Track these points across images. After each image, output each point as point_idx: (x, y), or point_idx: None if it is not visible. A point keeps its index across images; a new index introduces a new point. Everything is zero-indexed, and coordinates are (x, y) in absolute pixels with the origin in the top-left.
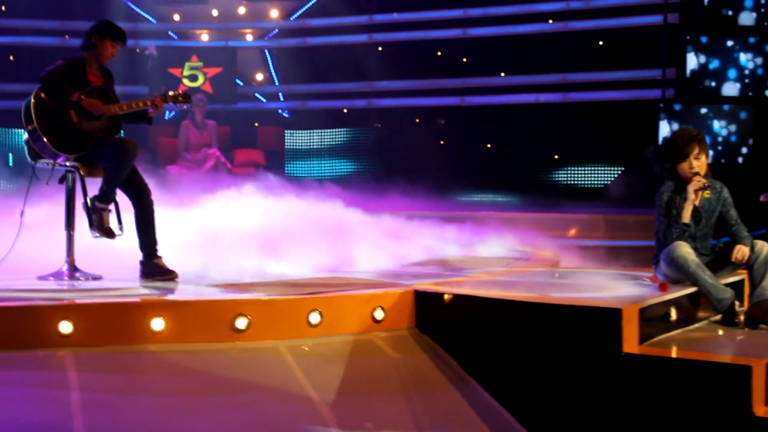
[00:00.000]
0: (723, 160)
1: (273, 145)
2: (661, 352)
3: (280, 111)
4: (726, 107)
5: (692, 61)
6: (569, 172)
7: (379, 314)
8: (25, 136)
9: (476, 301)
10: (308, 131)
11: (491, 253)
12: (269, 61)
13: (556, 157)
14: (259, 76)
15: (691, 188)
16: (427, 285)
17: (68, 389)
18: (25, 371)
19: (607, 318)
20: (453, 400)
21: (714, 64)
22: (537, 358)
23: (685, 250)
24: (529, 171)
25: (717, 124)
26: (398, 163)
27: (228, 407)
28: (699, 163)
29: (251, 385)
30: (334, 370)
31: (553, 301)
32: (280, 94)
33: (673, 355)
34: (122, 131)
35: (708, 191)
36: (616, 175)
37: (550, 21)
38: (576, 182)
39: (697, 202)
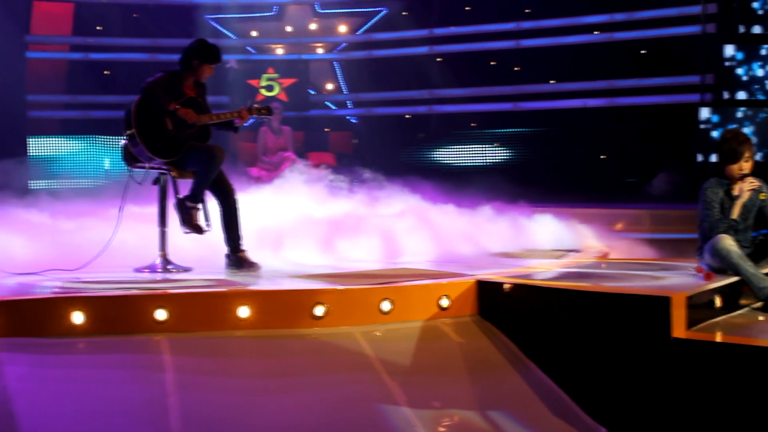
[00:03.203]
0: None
1: (342, 148)
2: (707, 337)
3: (348, 117)
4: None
5: (729, 66)
6: (615, 170)
7: (444, 302)
8: (123, 141)
9: (534, 290)
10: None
11: (547, 245)
12: (338, 72)
13: (603, 157)
14: (330, 86)
15: (746, 187)
16: (488, 275)
17: (163, 371)
18: (124, 354)
19: (657, 305)
20: (513, 381)
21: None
22: (592, 343)
23: (728, 242)
24: (577, 170)
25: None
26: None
27: (307, 388)
28: (748, 165)
29: (329, 368)
30: (404, 353)
31: (606, 289)
32: (349, 102)
33: (719, 339)
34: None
35: (764, 193)
36: (658, 173)
37: (596, 32)
38: (621, 180)
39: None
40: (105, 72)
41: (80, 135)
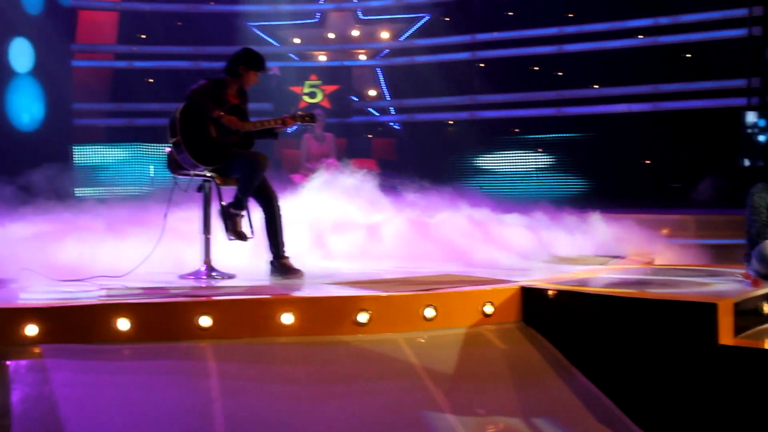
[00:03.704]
0: None
1: (385, 154)
2: (754, 344)
3: (391, 123)
4: None
5: None
6: (659, 175)
7: (488, 309)
8: (167, 149)
9: (579, 297)
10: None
11: (591, 251)
12: (381, 78)
13: (647, 162)
14: (372, 92)
15: None
16: (532, 282)
17: (208, 377)
18: (169, 360)
19: (704, 312)
20: (558, 388)
21: None
22: (637, 350)
23: None
24: (621, 175)
25: None
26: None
27: (351, 394)
28: None
29: (372, 374)
30: (448, 360)
31: (652, 296)
32: (391, 108)
33: (767, 346)
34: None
35: None
36: (703, 178)
37: (640, 36)
38: (666, 185)
39: None
40: (149, 80)
41: (125, 143)
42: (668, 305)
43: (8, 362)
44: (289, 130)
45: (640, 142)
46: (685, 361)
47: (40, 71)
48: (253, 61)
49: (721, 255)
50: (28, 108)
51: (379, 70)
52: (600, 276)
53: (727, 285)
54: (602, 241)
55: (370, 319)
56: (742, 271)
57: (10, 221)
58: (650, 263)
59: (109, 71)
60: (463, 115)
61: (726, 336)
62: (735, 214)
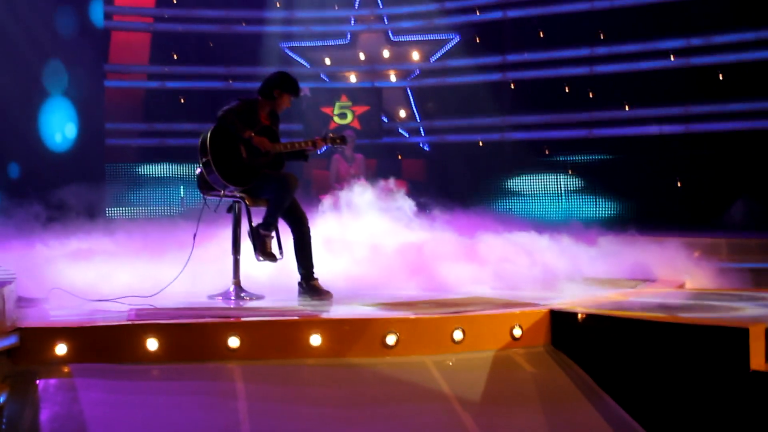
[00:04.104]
0: None
1: (415, 175)
2: None
3: (421, 144)
4: None
5: None
6: (691, 198)
7: (517, 332)
8: (198, 169)
9: (609, 321)
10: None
11: (621, 274)
12: (411, 99)
13: (679, 184)
14: (402, 113)
15: None
16: (561, 305)
17: (236, 398)
18: (198, 381)
19: (736, 337)
20: (587, 413)
21: None
22: (667, 375)
23: None
24: (652, 197)
25: None
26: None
27: (380, 417)
28: None
29: (400, 397)
30: (476, 383)
31: (683, 320)
32: (422, 129)
33: None
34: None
35: None
36: (736, 201)
37: (672, 57)
38: (698, 207)
39: None
40: (181, 100)
41: (156, 162)
42: (699, 330)
43: (38, 381)
44: (318, 151)
45: (671, 164)
46: (716, 386)
47: (73, 92)
48: (288, 85)
49: (754, 279)
50: (60, 128)
51: (409, 91)
52: (630, 299)
53: (759, 309)
54: (632, 263)
55: (398, 341)
56: None
57: (41, 240)
58: (681, 287)
59: (142, 91)
60: (494, 136)
61: (758, 361)
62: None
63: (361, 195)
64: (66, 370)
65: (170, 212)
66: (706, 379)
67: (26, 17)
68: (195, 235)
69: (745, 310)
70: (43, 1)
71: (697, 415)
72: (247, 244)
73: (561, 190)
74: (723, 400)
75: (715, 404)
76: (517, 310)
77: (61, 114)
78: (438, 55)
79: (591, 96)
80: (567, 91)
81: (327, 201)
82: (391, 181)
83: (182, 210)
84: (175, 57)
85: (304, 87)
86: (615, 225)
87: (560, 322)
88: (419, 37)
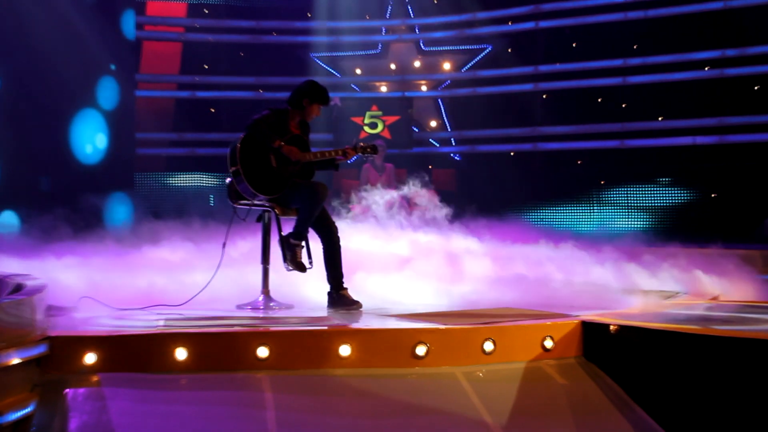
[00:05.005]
0: None
1: (446, 185)
2: None
3: (452, 155)
4: None
5: None
6: (725, 209)
7: (548, 343)
8: (228, 178)
9: (641, 332)
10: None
11: (655, 286)
12: (442, 109)
13: (713, 195)
14: (433, 123)
15: None
16: (593, 316)
17: (264, 408)
18: (226, 391)
19: None
20: (619, 425)
21: None
22: (700, 387)
23: None
24: (686, 209)
25: None
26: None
27: (409, 429)
28: None
29: (430, 408)
30: (507, 395)
31: (717, 333)
32: (452, 139)
33: None
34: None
35: None
36: None
37: (707, 68)
38: (732, 219)
39: None
40: (211, 110)
41: (186, 172)
42: (732, 342)
43: (67, 390)
44: (349, 160)
45: (705, 176)
46: (750, 400)
47: (104, 102)
48: (318, 94)
49: None
50: (91, 139)
51: (440, 101)
52: (664, 311)
53: None
54: (666, 275)
55: (428, 352)
56: None
57: (70, 249)
58: (715, 299)
59: (172, 101)
60: (526, 146)
61: None
62: None
63: (390, 204)
64: (95, 379)
65: (200, 221)
66: (739, 392)
67: (59, 28)
68: (224, 244)
69: None
70: (76, 11)
71: (730, 428)
72: (276, 254)
73: (593, 200)
74: (758, 414)
75: (749, 418)
76: (548, 322)
77: (92, 124)
78: (469, 65)
79: (624, 107)
80: (599, 101)
81: (356, 210)
82: (423, 191)
83: (212, 219)
84: (206, 67)
85: (335, 97)
86: (648, 236)
87: (592, 333)
88: (450, 47)
